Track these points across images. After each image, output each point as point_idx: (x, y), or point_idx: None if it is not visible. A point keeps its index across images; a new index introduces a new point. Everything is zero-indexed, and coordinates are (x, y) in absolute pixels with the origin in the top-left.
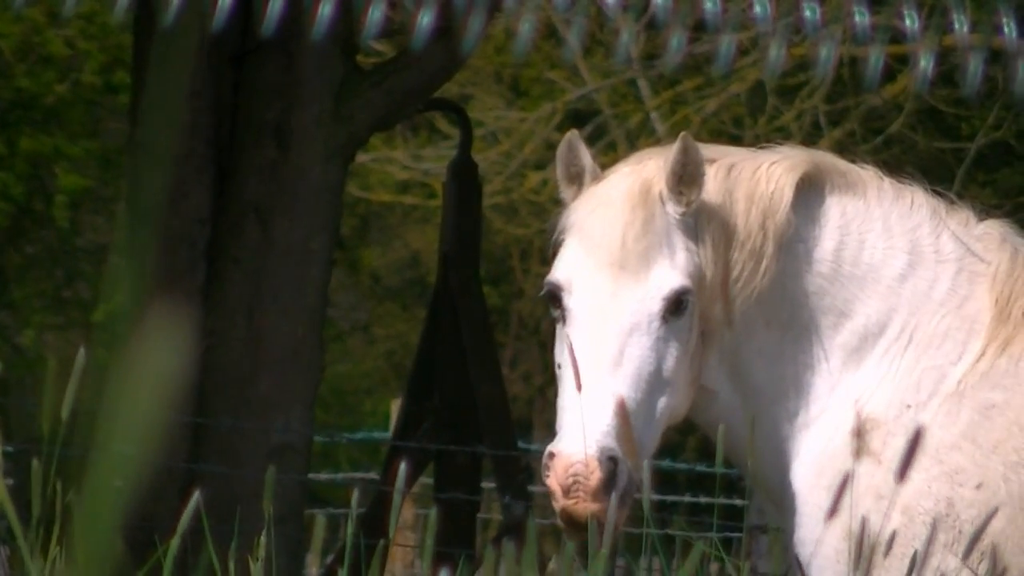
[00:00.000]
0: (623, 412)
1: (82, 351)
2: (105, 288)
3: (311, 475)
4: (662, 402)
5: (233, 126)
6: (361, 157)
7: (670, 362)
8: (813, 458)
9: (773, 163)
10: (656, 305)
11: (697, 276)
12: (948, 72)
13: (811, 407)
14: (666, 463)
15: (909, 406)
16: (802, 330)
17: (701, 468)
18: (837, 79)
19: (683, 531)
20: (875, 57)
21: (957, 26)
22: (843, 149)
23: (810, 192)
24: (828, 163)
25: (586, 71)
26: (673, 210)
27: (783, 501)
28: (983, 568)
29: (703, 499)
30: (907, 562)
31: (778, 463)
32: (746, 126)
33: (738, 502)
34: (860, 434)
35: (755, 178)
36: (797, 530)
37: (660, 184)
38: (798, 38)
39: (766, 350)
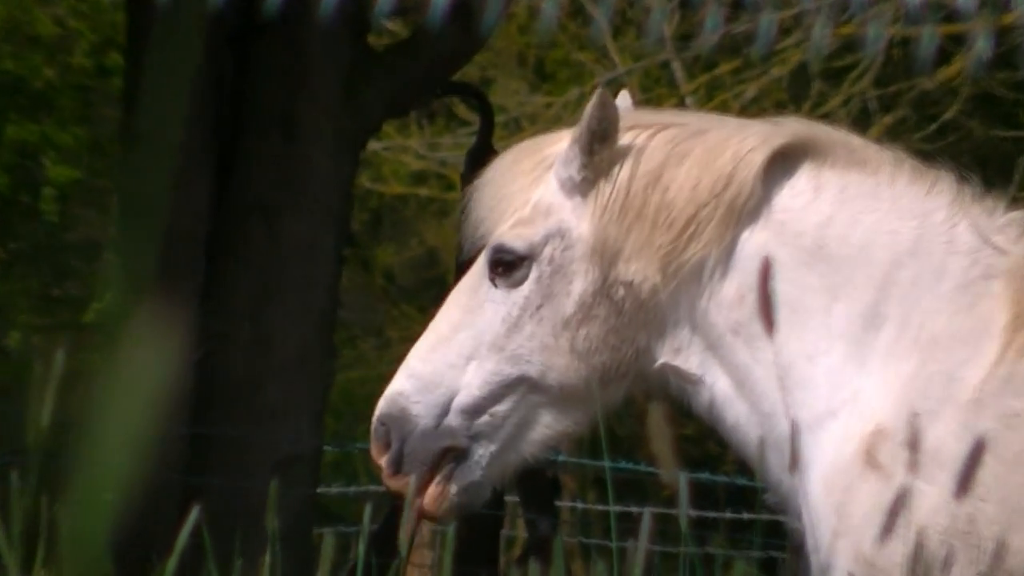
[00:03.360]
0: (411, 372)
1: (60, 354)
2: (97, 287)
3: (320, 489)
4: (487, 366)
5: (234, 113)
6: (373, 146)
7: (497, 327)
8: (822, 471)
9: (750, 135)
10: (482, 266)
11: (579, 240)
12: (1007, 53)
13: (814, 404)
14: (705, 476)
15: (917, 414)
16: (788, 309)
17: (742, 482)
18: (887, 61)
19: (723, 550)
20: (928, 37)
21: (1017, 3)
22: (894, 137)
23: (798, 164)
24: (832, 137)
25: (616, 53)
26: (569, 170)
27: (800, 515)
28: None
29: (745, 515)
30: None
31: (786, 466)
32: (788, 113)
33: (782, 518)
34: (867, 447)
35: (720, 145)
36: (814, 554)
37: (562, 144)
38: (845, 16)
39: (744, 328)
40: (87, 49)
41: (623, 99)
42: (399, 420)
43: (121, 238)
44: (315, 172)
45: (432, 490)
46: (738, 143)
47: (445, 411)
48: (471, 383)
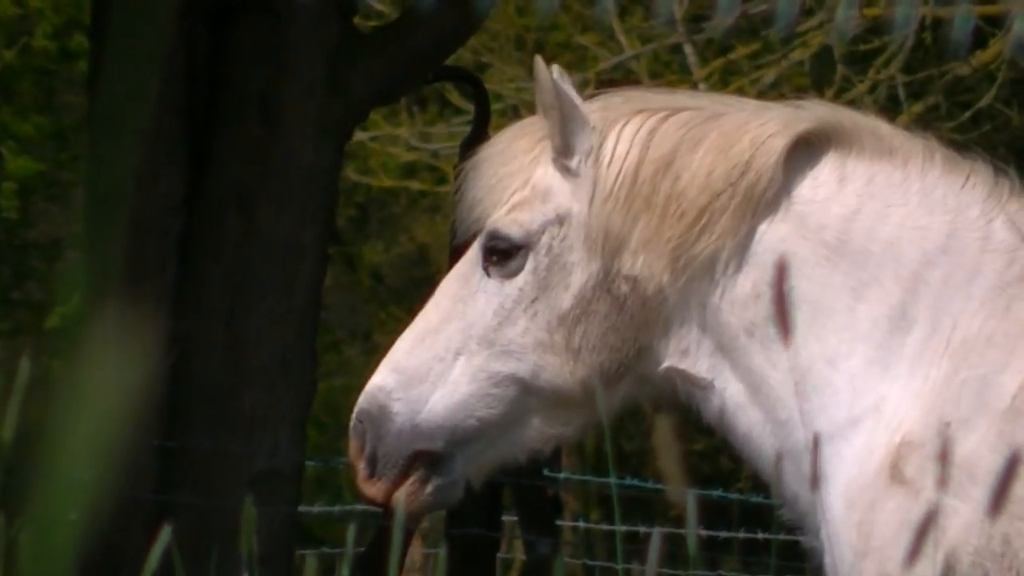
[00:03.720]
0: (394, 365)
1: (25, 361)
2: (60, 289)
3: (301, 507)
4: (475, 362)
5: (210, 98)
6: (360, 136)
7: (489, 319)
8: (845, 485)
9: (770, 119)
10: (475, 253)
11: (579, 229)
12: None
13: (835, 412)
14: (716, 493)
15: (949, 423)
16: (808, 308)
17: (757, 499)
18: (917, 44)
19: (736, 572)
20: (962, 18)
21: None
22: (924, 126)
23: (822, 152)
24: (859, 123)
25: (622, 35)
26: (567, 159)
27: (819, 531)
28: None
29: (760, 535)
30: None
31: (803, 479)
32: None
33: (801, 539)
34: (893, 460)
35: (738, 130)
36: (835, 573)
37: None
38: None
39: (759, 329)
40: (49, 31)
41: (555, 71)
42: (377, 418)
43: (86, 233)
44: (297, 163)
45: (404, 488)
46: (757, 128)
47: (426, 408)
48: (458, 379)
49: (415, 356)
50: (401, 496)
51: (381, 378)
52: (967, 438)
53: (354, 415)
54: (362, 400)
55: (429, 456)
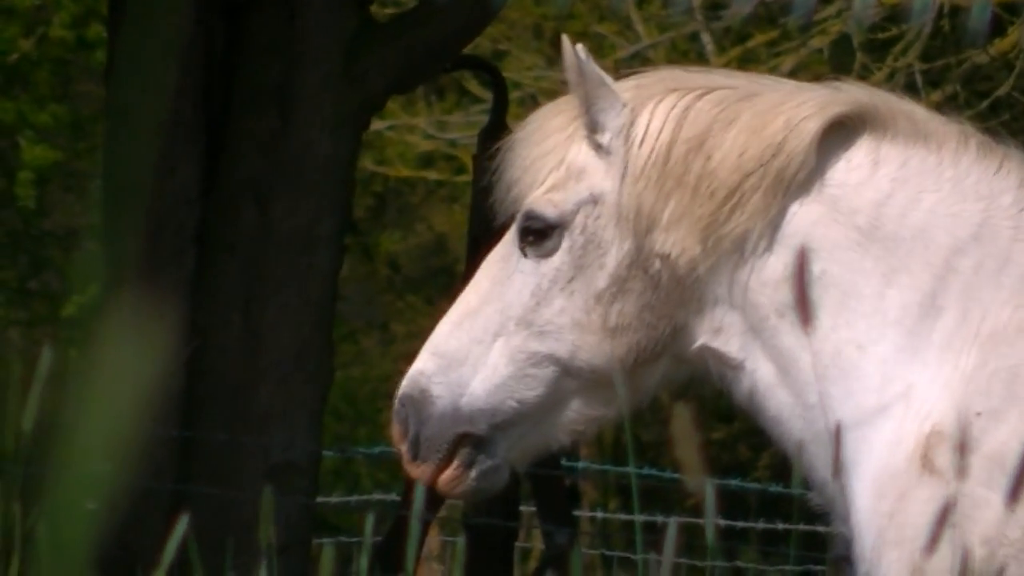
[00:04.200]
0: (435, 348)
1: (46, 351)
2: (77, 278)
3: (318, 498)
4: (514, 343)
5: (226, 90)
6: (377, 125)
7: (526, 300)
8: (874, 474)
9: (805, 101)
10: (513, 233)
11: (613, 207)
12: None
13: (863, 398)
14: (735, 483)
15: (979, 414)
16: (838, 293)
17: (776, 489)
18: (936, 32)
19: (754, 563)
20: (980, 6)
21: None
22: (943, 114)
23: (857, 135)
24: (895, 107)
25: (640, 23)
26: (599, 137)
27: (847, 519)
28: None
29: (779, 525)
30: None
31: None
32: None
33: (820, 529)
34: (924, 449)
35: (772, 111)
36: (862, 563)
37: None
38: None
39: (790, 310)
40: (67, 20)
41: (580, 50)
42: (419, 402)
43: (103, 225)
44: (313, 153)
45: (449, 473)
46: (792, 109)
47: (467, 391)
48: (497, 362)
49: (454, 339)
50: (444, 483)
51: (422, 362)
52: (998, 429)
53: (396, 399)
54: (404, 384)
55: (473, 439)
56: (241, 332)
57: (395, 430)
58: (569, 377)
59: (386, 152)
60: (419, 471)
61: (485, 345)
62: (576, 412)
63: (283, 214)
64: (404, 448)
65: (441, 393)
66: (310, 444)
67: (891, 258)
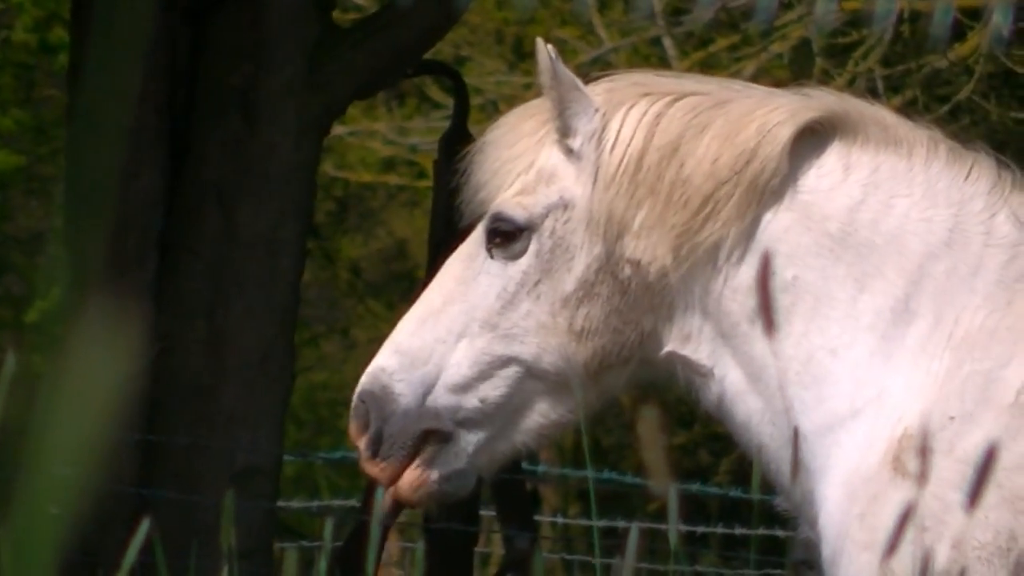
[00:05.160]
0: (397, 346)
1: (11, 356)
2: (40, 283)
3: (280, 502)
4: (478, 345)
5: (190, 94)
6: (338, 130)
7: (492, 302)
8: (845, 477)
9: (777, 107)
10: (479, 235)
11: (583, 212)
12: None
13: (835, 402)
14: (696, 488)
15: (952, 417)
16: (811, 298)
17: (735, 494)
18: (897, 38)
19: (715, 567)
20: (941, 11)
21: None
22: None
23: (827, 141)
24: (865, 113)
25: (602, 28)
26: (570, 141)
27: (815, 524)
28: None
29: (739, 530)
30: None
31: (803, 470)
32: None
33: (779, 533)
34: (896, 452)
35: (744, 117)
36: (831, 567)
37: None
38: None
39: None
40: (29, 24)
41: (552, 52)
42: (380, 399)
43: (66, 229)
44: (277, 157)
45: (410, 474)
46: (764, 116)
47: (430, 390)
48: (460, 362)
49: (418, 338)
50: (405, 486)
51: (384, 359)
52: (971, 433)
53: (356, 395)
54: (364, 380)
55: (438, 436)
56: (205, 335)
57: (353, 426)
58: (534, 379)
59: (347, 157)
60: (378, 470)
61: (448, 345)
62: (542, 415)
63: (247, 218)
64: (363, 444)
65: (404, 391)
66: (273, 448)
67: (864, 263)
